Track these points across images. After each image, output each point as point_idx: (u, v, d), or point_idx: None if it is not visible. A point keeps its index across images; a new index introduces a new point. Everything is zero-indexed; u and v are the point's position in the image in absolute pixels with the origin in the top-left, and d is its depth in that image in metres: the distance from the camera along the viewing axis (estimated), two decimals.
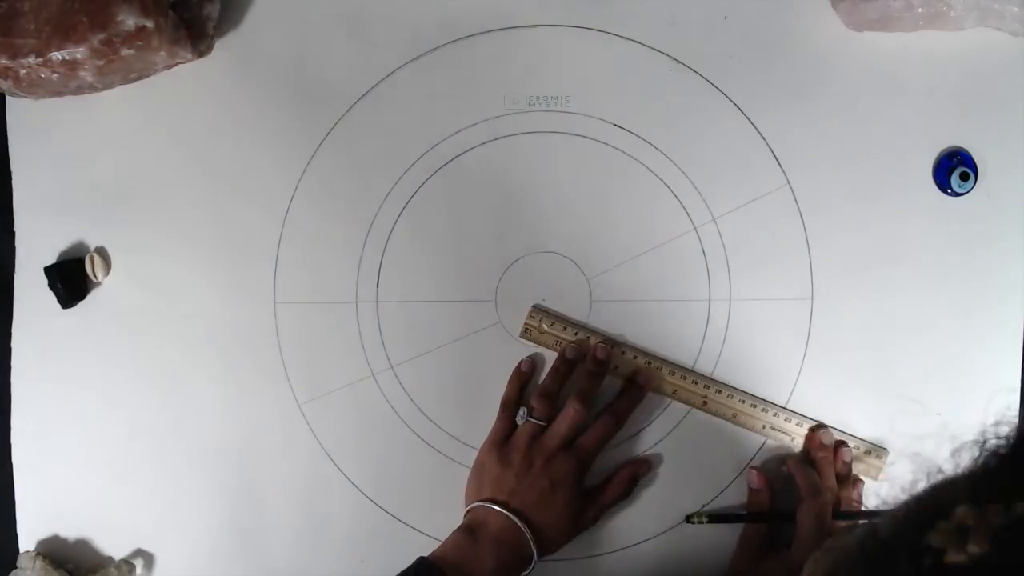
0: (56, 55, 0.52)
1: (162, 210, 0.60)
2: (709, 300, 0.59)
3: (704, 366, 0.59)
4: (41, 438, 0.60)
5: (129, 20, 0.52)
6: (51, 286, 0.59)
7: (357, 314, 0.60)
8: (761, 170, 0.59)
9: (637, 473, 0.58)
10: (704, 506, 0.58)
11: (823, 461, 0.57)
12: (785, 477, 0.58)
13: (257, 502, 0.59)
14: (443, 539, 0.56)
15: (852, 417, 0.59)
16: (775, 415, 0.58)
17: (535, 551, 0.53)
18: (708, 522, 0.57)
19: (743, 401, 0.59)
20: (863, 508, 0.57)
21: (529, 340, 0.59)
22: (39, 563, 0.57)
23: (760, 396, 0.59)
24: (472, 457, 0.59)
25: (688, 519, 0.57)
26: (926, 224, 0.59)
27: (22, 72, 0.53)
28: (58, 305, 0.59)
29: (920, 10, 0.55)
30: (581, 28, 0.59)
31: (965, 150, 0.59)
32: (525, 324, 0.59)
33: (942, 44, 0.58)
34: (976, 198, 0.59)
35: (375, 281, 0.60)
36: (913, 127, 0.59)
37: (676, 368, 0.59)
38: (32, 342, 0.60)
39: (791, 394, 0.59)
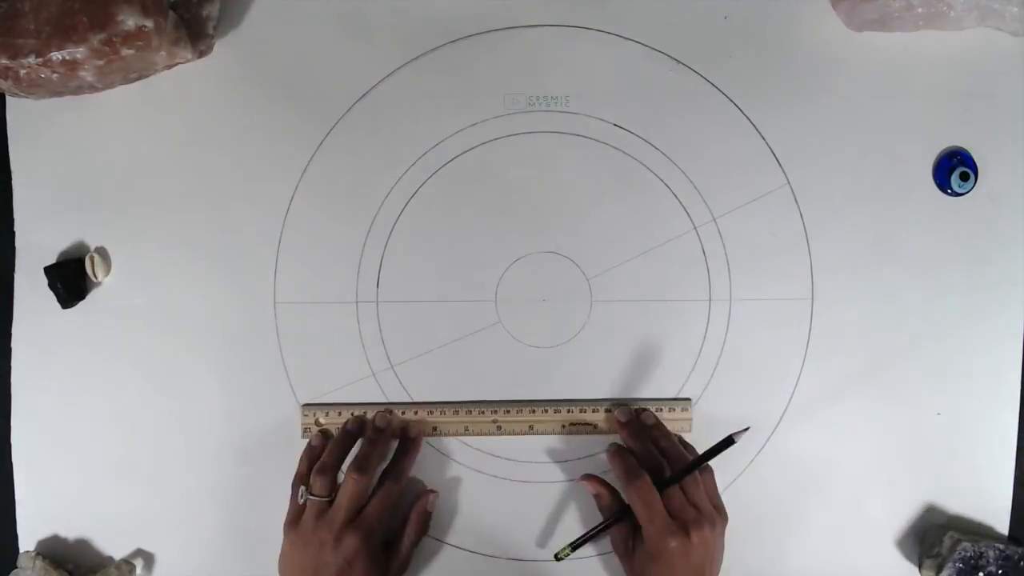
0: (56, 55, 0.52)
1: (162, 210, 0.60)
2: (709, 300, 0.59)
3: (705, 366, 0.59)
4: (41, 438, 0.60)
5: (129, 20, 0.52)
6: (51, 286, 0.59)
7: (357, 314, 0.60)
8: (761, 170, 0.59)
9: (426, 506, 0.58)
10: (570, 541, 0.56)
11: (632, 437, 0.56)
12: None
13: (257, 502, 0.59)
14: (442, 538, 0.56)
15: (852, 416, 0.59)
16: (568, 411, 0.58)
17: None
18: (573, 551, 0.55)
19: (532, 411, 0.59)
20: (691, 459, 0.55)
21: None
22: (39, 563, 0.57)
23: (555, 398, 0.59)
24: (472, 455, 0.59)
25: (557, 557, 0.56)
26: (926, 224, 0.59)
27: (22, 72, 0.53)
28: (58, 305, 0.59)
29: (920, 10, 0.55)
30: (581, 28, 0.59)
31: (965, 150, 0.59)
32: (302, 425, 0.59)
33: (942, 44, 0.58)
34: (976, 198, 0.59)
35: (375, 281, 0.60)
36: (913, 127, 0.59)
37: (460, 406, 0.59)
38: (32, 342, 0.60)
39: (792, 394, 0.59)
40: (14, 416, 0.60)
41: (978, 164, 0.59)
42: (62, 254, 0.60)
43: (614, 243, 0.59)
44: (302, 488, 0.56)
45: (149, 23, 0.52)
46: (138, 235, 0.60)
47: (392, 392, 0.59)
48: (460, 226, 0.60)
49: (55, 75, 0.53)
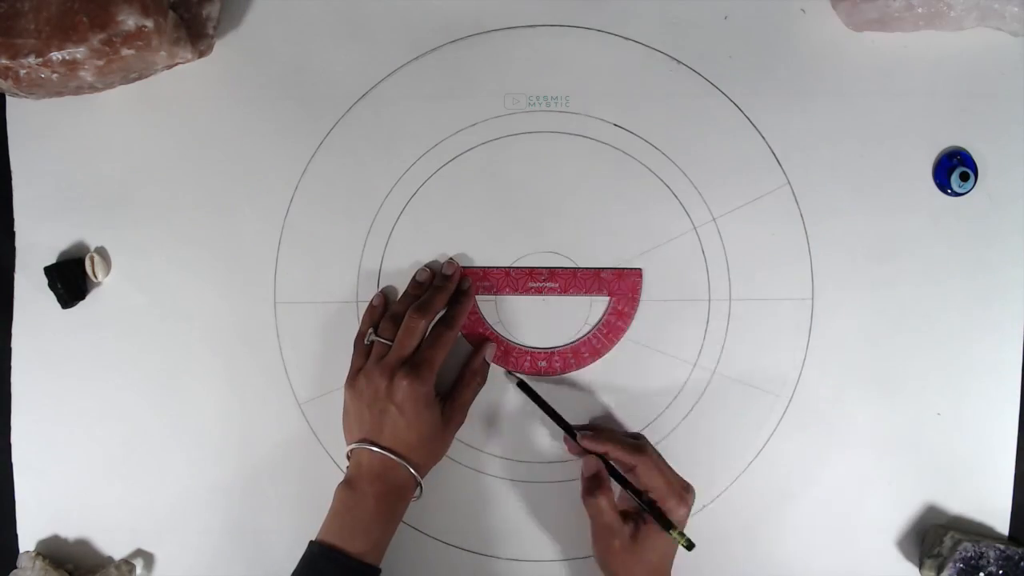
0: (56, 55, 0.52)
1: (162, 210, 0.60)
2: (709, 300, 0.59)
3: (706, 366, 0.59)
4: (41, 438, 0.60)
5: (129, 20, 0.52)
6: (51, 286, 0.59)
7: (357, 314, 0.60)
8: (761, 170, 0.59)
9: (485, 357, 0.59)
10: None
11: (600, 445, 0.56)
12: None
13: (257, 502, 0.59)
14: (442, 538, 0.56)
15: (853, 416, 0.59)
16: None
17: (414, 473, 0.54)
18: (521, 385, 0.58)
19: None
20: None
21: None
22: (39, 563, 0.57)
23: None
24: (477, 458, 0.59)
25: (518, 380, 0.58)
26: (926, 224, 0.59)
27: (22, 72, 0.53)
28: (58, 305, 0.59)
29: (920, 10, 0.55)
30: (581, 28, 0.59)
31: (965, 150, 0.59)
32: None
33: (942, 44, 0.58)
34: (976, 198, 0.59)
35: (375, 281, 0.60)
36: (913, 127, 0.59)
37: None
38: (32, 342, 0.60)
39: (792, 394, 0.59)
40: (14, 416, 0.60)
41: (978, 164, 0.59)
42: (62, 254, 0.60)
43: (614, 243, 0.59)
44: (370, 330, 0.57)
45: (149, 23, 0.52)
46: (138, 235, 0.60)
47: None
48: (460, 226, 0.60)
49: (55, 75, 0.53)
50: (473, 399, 0.58)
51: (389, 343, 0.55)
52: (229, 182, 0.60)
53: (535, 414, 0.59)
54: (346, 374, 0.57)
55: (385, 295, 0.59)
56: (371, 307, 0.59)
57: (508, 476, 0.60)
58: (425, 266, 0.59)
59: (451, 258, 0.59)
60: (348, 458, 0.55)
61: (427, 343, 0.55)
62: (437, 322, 0.57)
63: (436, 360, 0.55)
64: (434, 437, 0.55)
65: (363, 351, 0.57)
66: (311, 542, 0.53)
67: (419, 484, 0.55)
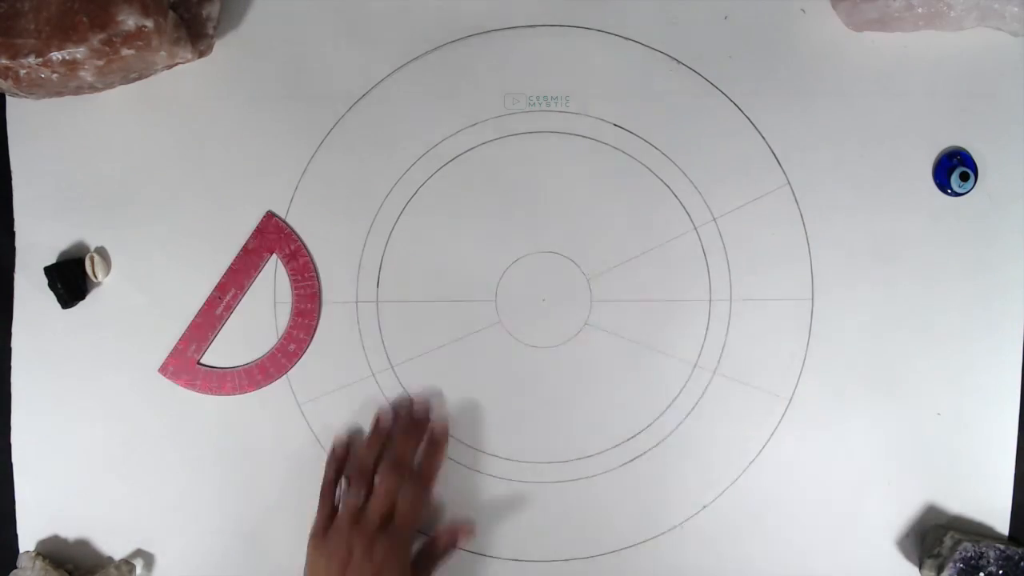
0: (56, 55, 0.52)
1: (162, 210, 0.60)
2: (709, 300, 0.59)
3: (706, 366, 0.59)
4: (41, 438, 0.60)
5: (129, 20, 0.52)
6: (51, 286, 0.59)
7: (357, 314, 0.60)
8: (761, 170, 0.59)
9: (458, 537, 0.56)
10: None
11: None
12: None
13: (257, 502, 0.59)
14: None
15: (853, 416, 0.59)
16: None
17: None
18: None
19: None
20: None
21: None
22: (39, 563, 0.57)
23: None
24: (477, 459, 0.59)
25: None
26: (926, 224, 0.59)
27: (22, 72, 0.53)
28: (58, 305, 0.59)
29: (920, 10, 0.55)
30: (581, 28, 0.59)
31: (965, 150, 0.59)
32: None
33: (942, 44, 0.58)
34: (976, 198, 0.59)
35: (375, 281, 0.60)
36: (913, 127, 0.59)
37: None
38: (32, 342, 0.60)
39: (792, 394, 0.59)
40: (14, 416, 0.60)
41: (978, 164, 0.59)
42: (62, 254, 0.60)
43: (614, 243, 0.59)
44: (339, 489, 0.55)
45: (149, 23, 0.52)
46: (138, 235, 0.60)
47: (392, 392, 0.59)
48: (460, 226, 0.60)
49: (55, 75, 0.53)
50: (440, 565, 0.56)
51: (363, 500, 0.54)
52: (229, 182, 0.60)
53: (536, 414, 0.59)
54: (311, 523, 0.55)
55: (348, 439, 0.58)
56: (334, 454, 0.57)
57: (508, 476, 0.60)
58: (390, 404, 0.57)
59: (415, 399, 0.58)
60: None
61: (403, 506, 0.53)
62: (408, 481, 0.55)
63: (415, 525, 0.54)
64: None
65: (330, 501, 0.55)
66: None
67: None
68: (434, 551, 0.56)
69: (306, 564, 0.54)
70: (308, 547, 0.55)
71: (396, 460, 0.55)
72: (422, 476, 0.56)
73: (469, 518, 0.58)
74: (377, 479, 0.54)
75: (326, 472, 0.57)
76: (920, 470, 0.59)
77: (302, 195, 0.60)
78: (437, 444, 0.57)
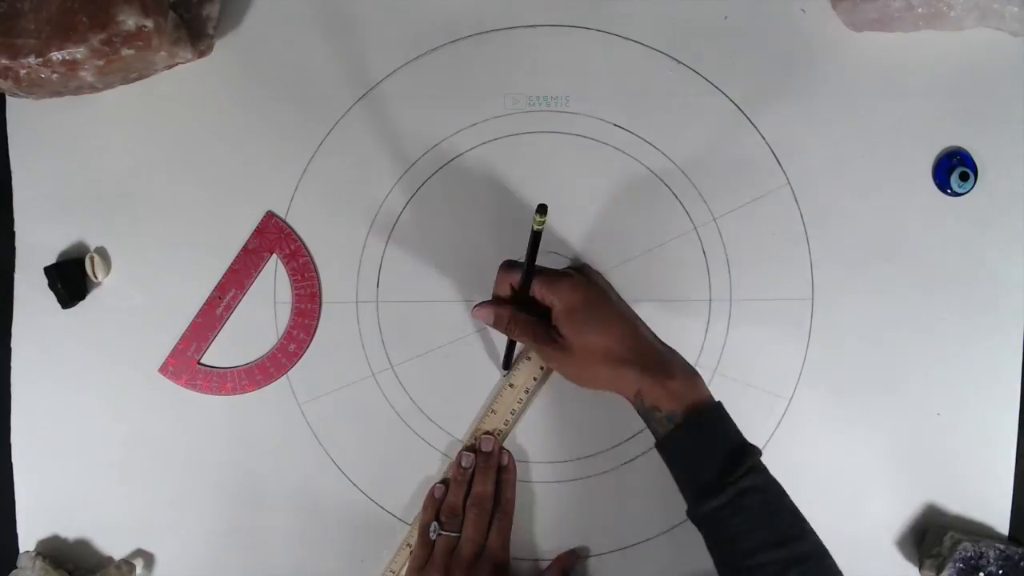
0: (56, 55, 0.52)
1: (162, 210, 0.60)
2: (709, 300, 0.59)
3: (706, 366, 0.59)
4: (41, 438, 0.60)
5: (129, 20, 0.52)
6: (51, 286, 0.59)
7: (357, 314, 0.60)
8: (761, 170, 0.59)
9: (567, 568, 0.58)
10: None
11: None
12: None
13: (257, 502, 0.59)
14: None
15: (853, 416, 0.59)
16: None
17: None
18: (508, 371, 0.58)
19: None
20: None
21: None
22: (39, 563, 0.57)
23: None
24: (472, 456, 0.59)
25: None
26: (926, 224, 0.59)
27: (22, 72, 0.53)
28: (58, 305, 0.59)
29: (920, 10, 0.55)
30: (581, 28, 0.59)
31: (965, 150, 0.59)
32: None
33: (942, 44, 0.58)
34: (976, 198, 0.59)
35: (375, 281, 0.60)
36: (913, 127, 0.59)
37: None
38: (32, 342, 0.60)
39: (792, 394, 0.59)
40: (14, 416, 0.60)
41: (978, 164, 0.59)
42: (62, 254, 0.60)
43: (614, 243, 0.59)
44: (434, 524, 0.57)
45: (149, 23, 0.52)
46: (138, 235, 0.60)
47: (392, 392, 0.59)
48: (460, 226, 0.60)
49: (55, 75, 0.53)
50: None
51: (456, 534, 0.56)
52: (229, 182, 0.60)
53: (534, 414, 0.59)
54: (408, 561, 0.57)
55: (445, 485, 0.59)
56: (432, 496, 0.58)
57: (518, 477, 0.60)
58: (464, 448, 0.59)
59: (486, 433, 0.58)
60: None
61: (494, 539, 0.57)
62: (495, 513, 0.57)
63: (507, 552, 0.57)
64: None
65: (427, 540, 0.57)
66: None
67: None
68: None
69: None
70: None
71: (480, 496, 0.57)
72: (502, 508, 0.58)
73: (581, 547, 0.59)
74: (467, 517, 0.57)
75: (424, 514, 0.58)
76: (920, 470, 0.59)
77: (302, 195, 0.60)
78: (510, 475, 0.59)
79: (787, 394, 0.59)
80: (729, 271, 0.59)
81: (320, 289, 0.59)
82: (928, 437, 0.59)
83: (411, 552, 0.58)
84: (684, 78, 0.59)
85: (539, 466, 0.60)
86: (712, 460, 0.48)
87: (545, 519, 0.59)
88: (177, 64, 0.58)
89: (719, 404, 0.50)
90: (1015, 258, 0.59)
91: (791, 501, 0.49)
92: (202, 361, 0.59)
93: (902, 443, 0.59)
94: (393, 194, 0.60)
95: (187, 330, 0.59)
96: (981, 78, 0.59)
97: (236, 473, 0.59)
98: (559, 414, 0.59)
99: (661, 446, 0.51)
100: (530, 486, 0.60)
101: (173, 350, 0.59)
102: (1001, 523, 0.59)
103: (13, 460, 0.59)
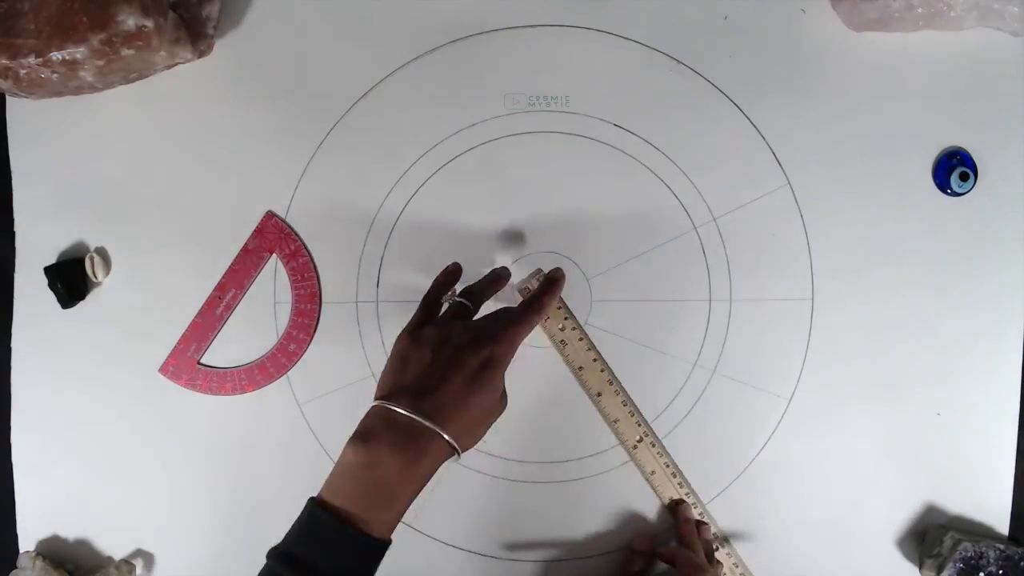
0: (56, 55, 0.52)
1: (162, 210, 0.60)
2: (709, 300, 0.59)
3: (706, 366, 0.59)
4: (41, 438, 0.60)
5: (129, 20, 0.52)
6: (51, 286, 0.59)
7: (357, 314, 0.60)
8: (761, 170, 0.59)
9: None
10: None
11: (690, 534, 0.57)
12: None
13: (257, 502, 0.59)
14: (443, 538, 0.56)
15: (853, 416, 0.59)
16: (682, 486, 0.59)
17: (454, 446, 0.46)
18: None
19: (667, 465, 0.59)
20: None
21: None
22: (39, 563, 0.57)
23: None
24: (477, 459, 0.59)
25: None
26: (926, 224, 0.59)
27: (22, 72, 0.53)
28: (58, 305, 0.59)
29: (920, 10, 0.55)
30: (581, 28, 0.59)
31: (965, 150, 0.59)
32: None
33: (942, 44, 0.58)
34: (976, 198, 0.59)
35: (375, 281, 0.60)
36: (913, 127, 0.59)
37: (628, 400, 0.59)
38: (32, 342, 0.60)
39: (792, 394, 0.59)
40: (14, 416, 0.60)
41: (978, 164, 0.59)
42: (62, 254, 0.60)
43: (614, 243, 0.59)
44: (453, 291, 0.52)
45: (149, 23, 0.52)
46: (138, 235, 0.60)
47: None
48: (460, 226, 0.60)
49: (55, 75, 0.53)
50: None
51: (470, 304, 0.50)
52: (229, 182, 0.60)
53: (535, 414, 0.59)
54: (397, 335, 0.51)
55: (460, 268, 0.55)
56: (447, 270, 0.54)
57: (508, 476, 0.60)
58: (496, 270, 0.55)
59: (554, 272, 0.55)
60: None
61: (516, 316, 0.50)
62: (526, 304, 0.51)
63: (520, 340, 0.49)
64: (482, 424, 0.49)
65: (429, 306, 0.52)
66: (312, 501, 0.44)
67: (457, 452, 0.46)
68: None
69: (393, 357, 0.49)
70: (396, 343, 0.50)
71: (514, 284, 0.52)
72: (536, 305, 0.51)
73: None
74: (498, 291, 0.53)
75: (433, 284, 0.53)
76: (920, 470, 0.59)
77: (302, 195, 0.60)
78: (555, 283, 0.53)
79: (787, 394, 0.59)
80: (729, 271, 0.59)
81: (320, 289, 0.59)
82: (928, 437, 0.59)
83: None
84: (684, 78, 0.59)
85: (538, 466, 0.60)
86: None
87: (540, 520, 0.59)
88: (177, 64, 0.58)
89: None
90: (1015, 258, 0.59)
91: None
92: (202, 361, 0.59)
93: (902, 443, 0.59)
94: (393, 194, 0.60)
95: (187, 330, 0.59)
96: (981, 78, 0.59)
97: (236, 473, 0.59)
98: (556, 415, 0.59)
99: None
100: (525, 486, 0.59)
101: (173, 350, 0.59)
102: (1001, 523, 0.59)
103: (13, 460, 0.60)
